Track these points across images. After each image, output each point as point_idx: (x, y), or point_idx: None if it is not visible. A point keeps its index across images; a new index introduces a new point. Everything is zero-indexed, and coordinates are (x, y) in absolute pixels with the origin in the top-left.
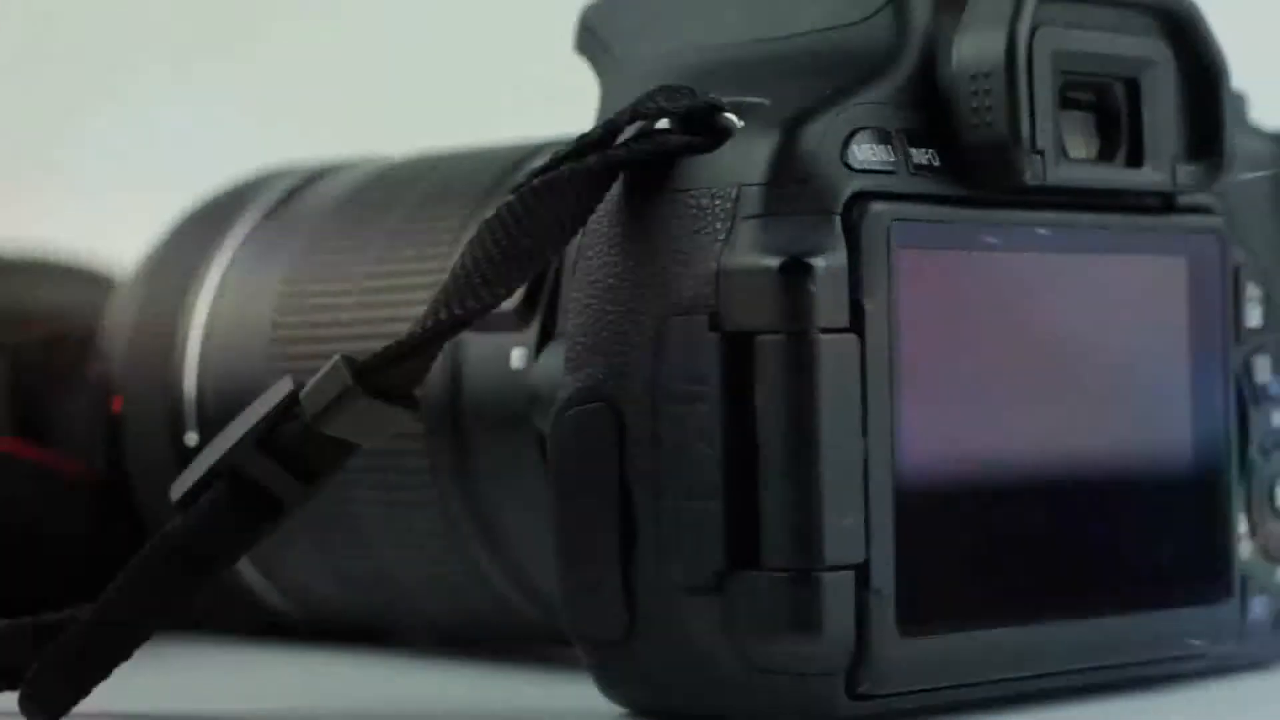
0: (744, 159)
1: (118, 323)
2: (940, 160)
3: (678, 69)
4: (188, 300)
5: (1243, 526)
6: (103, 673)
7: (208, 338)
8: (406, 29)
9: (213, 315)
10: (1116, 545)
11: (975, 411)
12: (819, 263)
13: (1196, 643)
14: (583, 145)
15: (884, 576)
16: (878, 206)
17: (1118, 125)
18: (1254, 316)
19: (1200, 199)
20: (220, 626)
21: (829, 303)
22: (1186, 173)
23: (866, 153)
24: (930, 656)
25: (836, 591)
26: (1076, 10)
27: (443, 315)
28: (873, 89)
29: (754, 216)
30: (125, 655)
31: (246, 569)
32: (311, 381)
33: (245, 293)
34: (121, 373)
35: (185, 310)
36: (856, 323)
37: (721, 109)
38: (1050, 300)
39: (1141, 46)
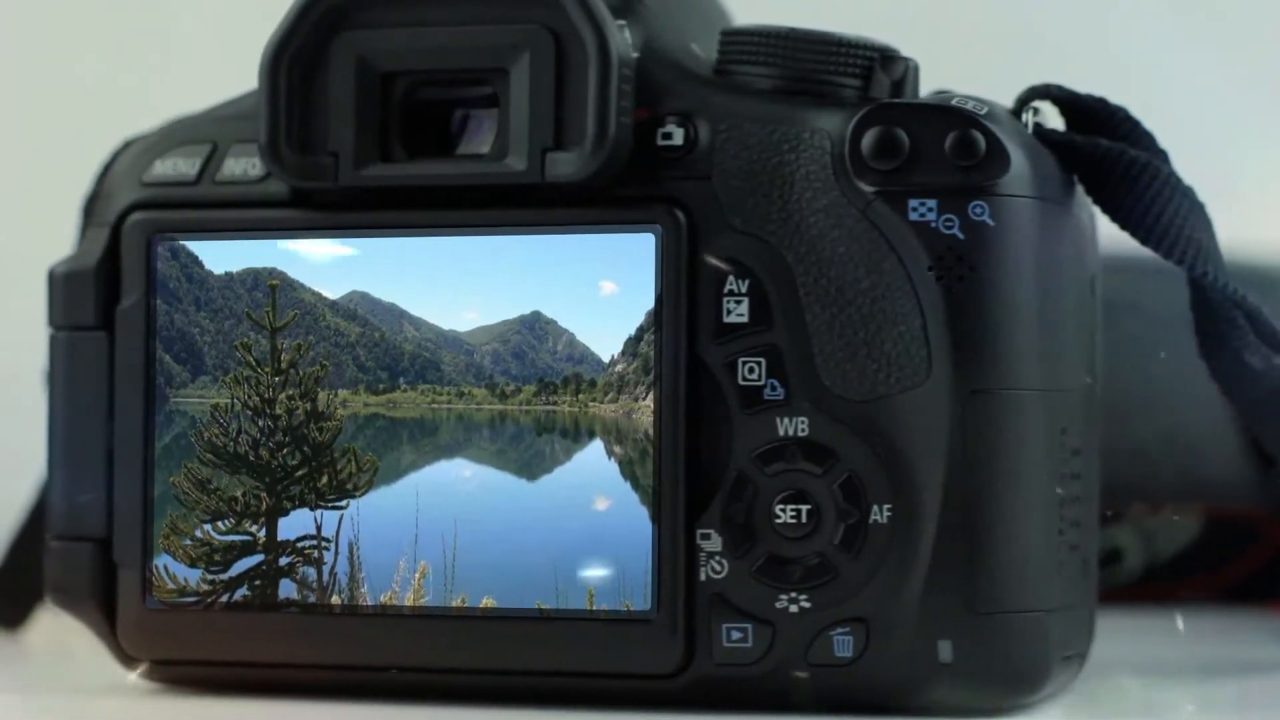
0: None
1: None
2: (269, 168)
3: None
4: None
5: (716, 544)
6: None
7: None
8: None
9: None
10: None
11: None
12: (74, 268)
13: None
14: None
15: (127, 551)
16: (140, 216)
17: (491, 119)
18: (738, 313)
19: (661, 188)
20: None
21: (79, 304)
22: (557, 161)
23: (166, 167)
24: (185, 630)
25: (76, 561)
26: (415, 10)
27: None
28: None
29: (86, 227)
30: None
31: None
32: None
33: None
34: None
35: None
36: (107, 322)
37: None
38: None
39: (503, 35)
